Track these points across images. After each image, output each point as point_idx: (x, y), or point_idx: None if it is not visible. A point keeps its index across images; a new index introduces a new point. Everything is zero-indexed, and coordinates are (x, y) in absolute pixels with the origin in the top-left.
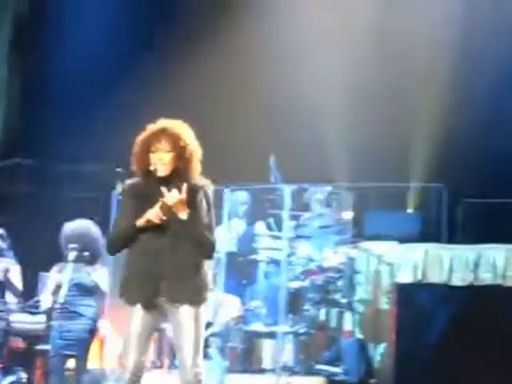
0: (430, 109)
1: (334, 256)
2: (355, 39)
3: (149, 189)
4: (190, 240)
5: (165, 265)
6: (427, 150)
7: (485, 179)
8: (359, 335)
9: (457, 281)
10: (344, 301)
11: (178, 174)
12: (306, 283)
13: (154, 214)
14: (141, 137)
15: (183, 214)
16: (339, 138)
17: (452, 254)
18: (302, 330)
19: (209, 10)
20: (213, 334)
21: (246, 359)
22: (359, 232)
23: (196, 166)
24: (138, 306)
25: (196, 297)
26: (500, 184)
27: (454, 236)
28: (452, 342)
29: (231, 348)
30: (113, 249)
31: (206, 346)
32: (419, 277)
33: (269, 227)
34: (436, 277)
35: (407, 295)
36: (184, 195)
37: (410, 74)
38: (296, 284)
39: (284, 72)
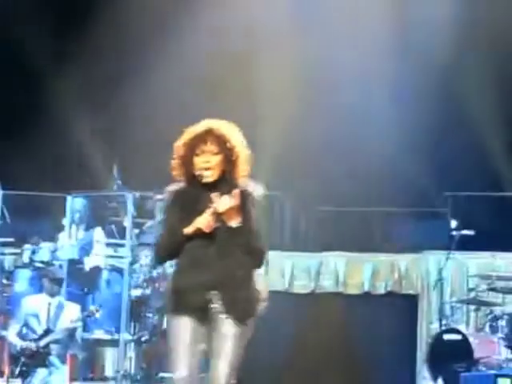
0: (272, 119)
1: None
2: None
3: (195, 194)
4: (239, 248)
5: (215, 275)
6: (270, 158)
7: (327, 188)
8: None
9: (298, 288)
10: None
11: (224, 178)
12: (148, 291)
13: (204, 223)
14: (183, 139)
15: (234, 222)
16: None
17: (293, 261)
18: (144, 338)
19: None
20: (53, 341)
21: (88, 367)
22: None
23: (243, 169)
24: (188, 318)
25: (246, 310)
26: (343, 193)
27: (296, 244)
28: (294, 349)
29: (71, 355)
30: (160, 259)
31: (48, 353)
32: None
33: (111, 235)
34: (278, 285)
35: None
36: (237, 202)
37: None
38: (138, 292)
39: None
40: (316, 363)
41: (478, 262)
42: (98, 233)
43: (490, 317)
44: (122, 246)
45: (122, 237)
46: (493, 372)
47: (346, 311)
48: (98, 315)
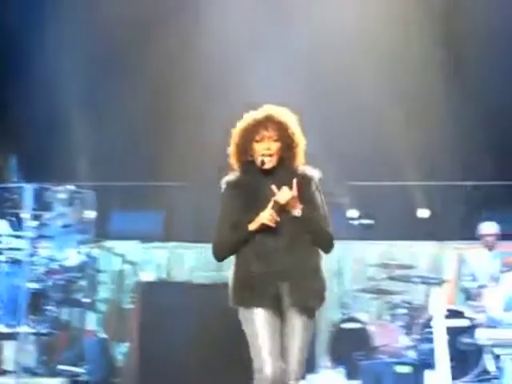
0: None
1: (76, 255)
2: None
3: (254, 183)
4: (307, 236)
5: (285, 266)
6: (171, 150)
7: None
8: (102, 335)
9: (199, 279)
10: (87, 300)
11: (282, 165)
12: (48, 283)
13: (268, 218)
14: (242, 125)
15: (297, 211)
16: (81, 136)
17: (195, 252)
18: (44, 331)
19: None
20: None
21: None
22: (103, 231)
23: (301, 156)
24: (262, 310)
25: (316, 300)
26: None
27: (197, 235)
28: (195, 340)
29: None
30: (222, 255)
31: None
32: (162, 275)
33: (11, 226)
34: (179, 275)
35: (150, 294)
36: (295, 192)
37: None
38: (38, 284)
39: None
40: (219, 354)
41: (377, 251)
42: (2, 225)
43: (389, 305)
44: (20, 237)
45: (21, 229)
46: (392, 360)
47: None
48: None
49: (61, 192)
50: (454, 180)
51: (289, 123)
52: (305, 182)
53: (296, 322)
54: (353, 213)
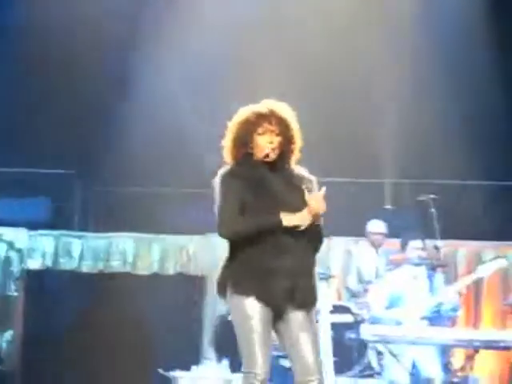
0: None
1: None
2: None
3: (255, 173)
4: (309, 235)
5: (295, 264)
6: (60, 137)
7: (116, 167)
8: None
9: (87, 268)
10: None
11: (282, 160)
12: None
13: (303, 220)
14: (242, 117)
15: (321, 219)
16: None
17: (83, 241)
18: None
19: None
20: None
21: None
22: None
23: (298, 154)
24: (263, 306)
25: (317, 300)
26: (134, 173)
27: (85, 224)
28: (80, 328)
29: None
30: (235, 234)
31: None
32: (49, 263)
33: None
34: (66, 264)
35: (36, 282)
36: (323, 200)
37: None
38: None
39: None
40: (105, 342)
41: None
42: None
43: None
44: None
45: None
46: (276, 353)
47: (134, 292)
48: None
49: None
50: (347, 176)
51: (290, 119)
52: (309, 182)
53: (305, 322)
54: None
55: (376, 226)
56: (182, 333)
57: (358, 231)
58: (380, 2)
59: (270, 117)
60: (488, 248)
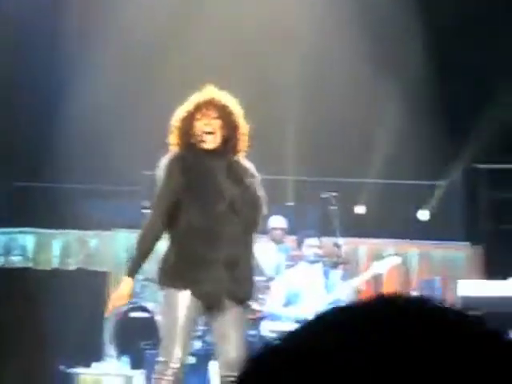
0: None
1: None
2: None
3: (196, 161)
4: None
5: (230, 254)
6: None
7: (20, 161)
8: None
9: None
10: None
11: (225, 150)
12: None
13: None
14: (183, 107)
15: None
16: None
17: None
18: None
19: None
20: None
21: None
22: None
23: (245, 140)
24: (188, 297)
25: (250, 291)
26: (37, 168)
27: None
28: None
29: None
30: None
31: None
32: None
33: None
34: None
35: None
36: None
37: None
38: None
39: None
40: (4, 339)
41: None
42: None
43: None
44: None
45: None
46: None
47: (35, 287)
48: None
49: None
50: None
51: (229, 103)
52: (252, 178)
53: (236, 313)
54: (145, 203)
55: (277, 221)
56: (83, 330)
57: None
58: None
59: (207, 102)
60: (388, 246)
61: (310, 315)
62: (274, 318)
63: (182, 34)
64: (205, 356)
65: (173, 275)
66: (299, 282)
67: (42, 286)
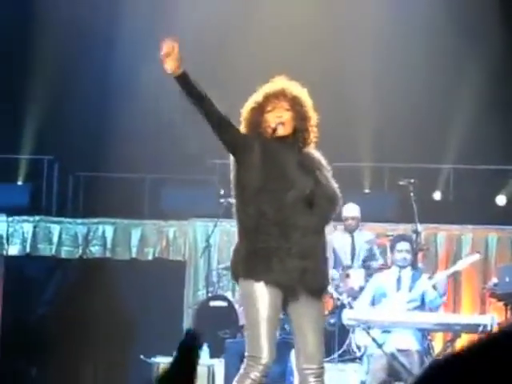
0: None
1: None
2: None
3: (270, 150)
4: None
5: (305, 246)
6: (37, 123)
7: (95, 153)
8: None
9: (66, 254)
10: None
11: (296, 139)
12: None
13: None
14: (254, 99)
15: None
16: None
17: (61, 227)
18: None
19: None
20: None
21: None
22: None
23: (315, 131)
24: (272, 290)
25: (326, 283)
26: (111, 159)
27: (64, 209)
28: (59, 314)
29: None
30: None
31: None
32: (28, 249)
33: None
34: (45, 250)
35: (15, 268)
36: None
37: None
38: None
39: None
40: (84, 328)
41: None
42: None
43: None
44: None
45: None
46: None
47: (114, 277)
48: None
49: None
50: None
51: (300, 94)
52: (321, 167)
53: (312, 305)
54: (221, 191)
55: (351, 209)
56: (162, 319)
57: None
58: None
59: (278, 94)
60: (467, 231)
61: (393, 313)
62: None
63: (255, 25)
64: (285, 344)
65: (246, 266)
66: (386, 284)
67: (121, 276)
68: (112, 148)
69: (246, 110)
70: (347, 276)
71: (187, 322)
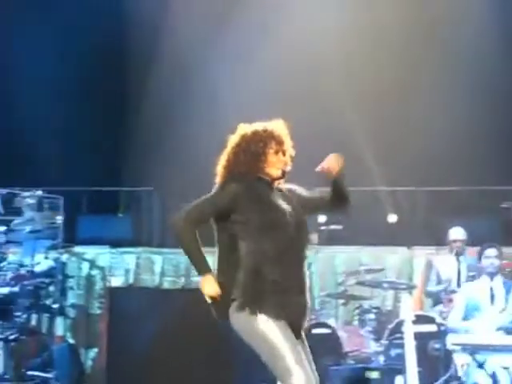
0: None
1: (45, 261)
2: None
3: (263, 189)
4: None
5: (301, 281)
6: (138, 155)
7: (195, 184)
8: (71, 340)
9: (168, 284)
10: (55, 306)
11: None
12: (16, 289)
13: (208, 290)
14: (275, 136)
15: None
16: (50, 140)
17: (163, 257)
18: (12, 337)
19: None
20: None
21: None
22: (71, 236)
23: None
24: (283, 322)
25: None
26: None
27: (165, 240)
28: (164, 345)
29: None
30: (176, 236)
31: None
32: (131, 280)
33: None
34: (148, 280)
35: (119, 299)
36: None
37: None
38: (6, 290)
39: None
40: (188, 358)
41: (345, 256)
42: None
43: (358, 311)
44: None
45: None
46: (361, 365)
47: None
48: None
49: (29, 197)
50: (422, 185)
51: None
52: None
53: (305, 340)
54: (322, 218)
55: (457, 233)
56: None
57: (439, 240)
58: None
59: (286, 137)
60: None
61: (488, 328)
62: (451, 331)
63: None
64: (389, 371)
65: (262, 301)
66: (478, 294)
67: None
68: (212, 178)
69: (251, 142)
70: (450, 301)
71: None
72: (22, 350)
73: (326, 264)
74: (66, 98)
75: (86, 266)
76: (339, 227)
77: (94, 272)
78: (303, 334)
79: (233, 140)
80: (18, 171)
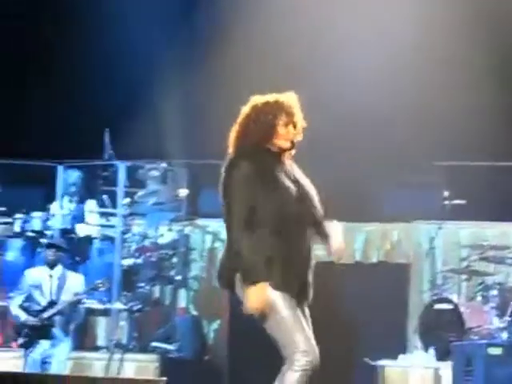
0: None
1: (168, 233)
2: None
3: (270, 165)
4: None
5: (309, 256)
6: None
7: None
8: (193, 312)
9: None
10: (178, 278)
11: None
12: (140, 260)
13: (254, 302)
14: (284, 107)
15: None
16: (173, 113)
17: None
18: (136, 308)
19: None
20: (56, 313)
21: (81, 336)
22: (194, 209)
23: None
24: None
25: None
26: (339, 163)
27: None
28: None
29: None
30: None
31: (51, 325)
32: None
33: (103, 204)
34: None
35: None
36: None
37: None
38: (130, 261)
39: None
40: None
41: (469, 231)
42: (90, 203)
43: (481, 286)
44: (113, 215)
45: (114, 206)
46: (484, 341)
47: (338, 280)
48: (103, 289)
49: (153, 169)
50: None
51: (298, 109)
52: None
53: (307, 313)
54: (445, 193)
55: None
56: (387, 322)
57: None
58: None
59: (294, 108)
60: None
61: None
62: None
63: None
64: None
65: (284, 276)
66: None
67: (346, 280)
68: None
69: (274, 115)
70: None
71: (411, 325)
72: (145, 321)
73: (449, 239)
74: None
75: (209, 238)
76: (463, 202)
77: (217, 244)
78: (307, 308)
79: (244, 111)
80: (144, 143)
